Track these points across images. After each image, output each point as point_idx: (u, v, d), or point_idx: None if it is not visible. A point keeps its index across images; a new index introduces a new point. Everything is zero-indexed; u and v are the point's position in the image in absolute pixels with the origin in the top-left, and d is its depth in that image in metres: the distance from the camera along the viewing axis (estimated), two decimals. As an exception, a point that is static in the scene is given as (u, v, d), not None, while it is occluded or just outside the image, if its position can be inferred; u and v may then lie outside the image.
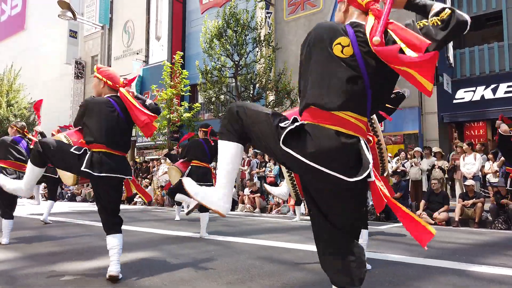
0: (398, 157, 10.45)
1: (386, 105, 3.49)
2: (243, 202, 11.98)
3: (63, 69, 27.24)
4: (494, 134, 13.39)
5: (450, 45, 12.99)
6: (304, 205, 8.80)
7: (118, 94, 3.39)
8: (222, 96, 15.19)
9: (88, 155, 3.14)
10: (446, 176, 9.73)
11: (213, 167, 6.72)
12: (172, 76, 16.73)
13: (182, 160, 6.43)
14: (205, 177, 5.84)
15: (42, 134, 5.89)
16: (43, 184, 11.36)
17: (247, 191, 12.10)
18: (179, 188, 6.19)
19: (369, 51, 1.68)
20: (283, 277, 3.35)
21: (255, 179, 12.31)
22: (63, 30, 26.86)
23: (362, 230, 3.60)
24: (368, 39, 1.67)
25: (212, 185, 5.32)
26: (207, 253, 4.53)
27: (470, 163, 9.03)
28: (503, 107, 11.67)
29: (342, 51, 1.71)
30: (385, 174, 3.60)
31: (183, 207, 8.87)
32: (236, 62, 14.52)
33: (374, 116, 3.31)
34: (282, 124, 1.74)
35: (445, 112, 13.00)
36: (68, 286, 3.06)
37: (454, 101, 12.93)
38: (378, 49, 1.63)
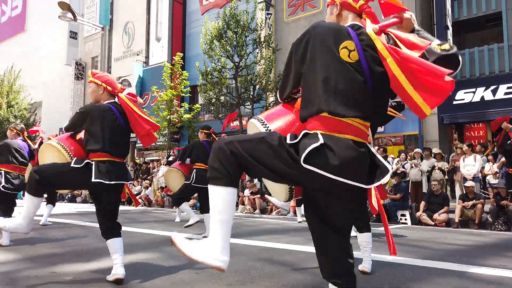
0: (398, 158, 10.47)
1: (390, 111, 3.45)
2: (243, 203, 11.99)
3: (63, 70, 27.28)
4: (494, 135, 13.41)
5: (450, 46, 13.00)
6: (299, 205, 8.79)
7: (117, 100, 3.34)
8: (222, 97, 15.21)
9: (94, 165, 3.07)
10: (446, 177, 9.74)
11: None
12: (172, 77, 16.76)
13: (180, 161, 6.36)
14: (205, 179, 5.85)
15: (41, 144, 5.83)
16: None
17: (247, 192, 12.11)
18: (185, 194, 6.15)
19: (372, 55, 1.66)
20: (284, 279, 3.35)
21: (255, 180, 12.31)
22: (63, 31, 26.91)
23: (365, 233, 3.61)
24: (370, 36, 1.66)
25: None
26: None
27: (470, 164, 9.04)
28: (503, 108, 11.68)
29: (349, 56, 1.67)
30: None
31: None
32: (236, 63, 14.54)
33: None
34: (289, 142, 1.64)
35: (445, 113, 13.01)
36: (68, 287, 3.06)
37: (454, 102, 12.94)
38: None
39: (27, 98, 24.68)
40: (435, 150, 10.13)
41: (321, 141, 1.57)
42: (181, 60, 16.85)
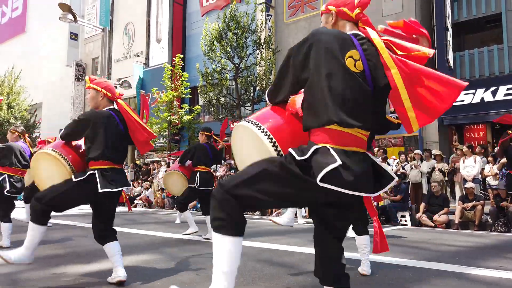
0: (398, 159, 10.48)
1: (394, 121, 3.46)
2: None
3: (64, 71, 27.30)
4: (494, 136, 13.43)
5: (450, 47, 13.03)
6: (305, 207, 8.79)
7: (115, 106, 3.31)
8: (222, 99, 15.24)
9: (98, 174, 3.01)
10: (446, 178, 9.74)
11: (213, 169, 6.71)
12: (172, 78, 16.79)
13: (180, 164, 6.26)
14: (210, 183, 5.87)
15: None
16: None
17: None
18: (190, 198, 6.15)
19: (376, 65, 1.65)
20: (284, 280, 3.36)
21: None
22: (64, 33, 26.94)
23: (363, 235, 3.62)
24: (376, 45, 1.66)
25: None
26: (208, 256, 4.54)
27: (470, 166, 9.04)
28: (503, 109, 11.69)
29: (354, 65, 1.64)
30: None
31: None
32: (237, 65, 14.56)
33: None
34: (298, 158, 1.58)
35: (445, 115, 13.01)
36: (69, 289, 3.08)
37: (454, 104, 12.84)
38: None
39: (27, 99, 24.72)
40: (435, 151, 10.13)
41: (339, 162, 1.53)
42: (181, 62, 16.88)
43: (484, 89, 12.65)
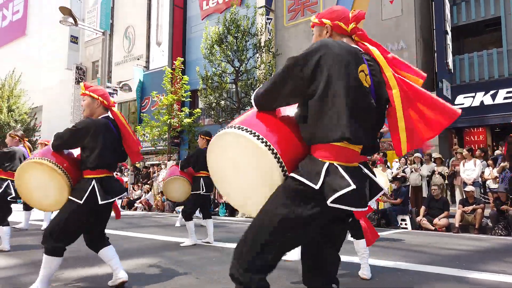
0: (398, 163, 10.49)
1: None
2: (243, 208, 11.96)
3: (64, 74, 27.37)
4: (493, 139, 13.44)
5: (450, 51, 13.07)
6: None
7: (110, 114, 3.26)
8: (222, 102, 15.26)
9: (96, 185, 2.93)
10: (446, 182, 9.74)
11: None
12: (172, 81, 16.82)
13: (180, 169, 6.14)
14: (212, 187, 5.87)
15: None
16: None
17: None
18: (197, 206, 6.12)
19: (379, 82, 1.64)
20: (284, 282, 3.37)
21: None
22: (64, 36, 27.03)
23: (362, 239, 3.62)
24: (380, 62, 1.65)
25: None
26: (208, 259, 4.54)
27: (470, 169, 9.04)
28: (502, 112, 11.72)
29: (365, 80, 1.59)
30: None
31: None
32: (237, 68, 14.60)
33: None
34: (315, 186, 1.50)
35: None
36: (70, 293, 3.08)
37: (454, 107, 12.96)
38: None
39: (27, 103, 24.74)
40: (435, 154, 10.14)
41: (353, 186, 1.47)
42: (182, 65, 16.91)
43: (483, 93, 12.68)
